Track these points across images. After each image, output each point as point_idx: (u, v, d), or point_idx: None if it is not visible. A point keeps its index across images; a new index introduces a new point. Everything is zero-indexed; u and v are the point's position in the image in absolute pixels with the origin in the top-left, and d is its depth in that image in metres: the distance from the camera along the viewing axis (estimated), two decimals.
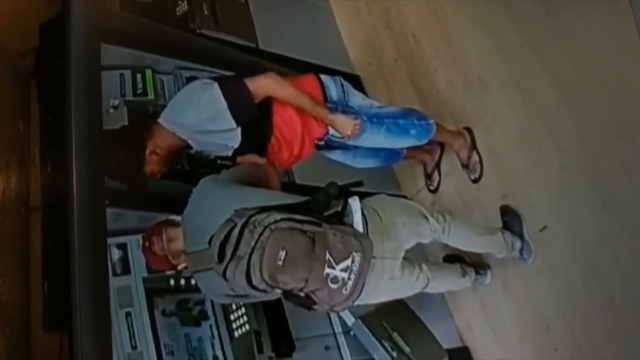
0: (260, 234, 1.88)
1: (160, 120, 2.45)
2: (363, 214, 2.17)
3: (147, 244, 2.26)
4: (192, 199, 2.26)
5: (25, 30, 2.74)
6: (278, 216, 1.93)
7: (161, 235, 2.23)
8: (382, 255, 2.19)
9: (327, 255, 1.93)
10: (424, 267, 2.51)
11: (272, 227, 1.89)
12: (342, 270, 1.96)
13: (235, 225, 1.92)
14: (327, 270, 1.94)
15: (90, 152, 2.41)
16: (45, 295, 2.44)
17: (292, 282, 1.92)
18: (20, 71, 2.86)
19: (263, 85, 2.45)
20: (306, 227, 1.94)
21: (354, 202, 2.17)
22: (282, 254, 1.87)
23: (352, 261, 1.97)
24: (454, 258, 2.93)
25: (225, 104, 2.35)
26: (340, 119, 2.56)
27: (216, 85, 2.39)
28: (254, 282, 1.89)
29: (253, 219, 1.92)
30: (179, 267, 2.29)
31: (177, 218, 2.26)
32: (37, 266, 2.50)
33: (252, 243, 1.88)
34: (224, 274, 1.93)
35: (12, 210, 2.60)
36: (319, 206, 2.09)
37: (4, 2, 2.71)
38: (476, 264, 2.96)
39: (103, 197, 2.48)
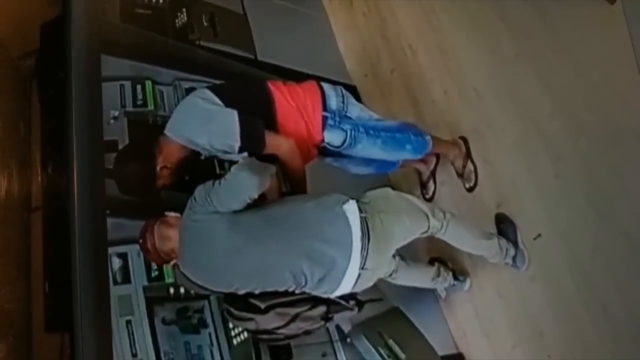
0: None
1: (168, 132, 2.46)
2: (368, 234, 2.28)
3: (141, 241, 2.34)
4: (197, 228, 2.27)
5: (27, 31, 2.75)
6: None
7: (153, 233, 2.30)
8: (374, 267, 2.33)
9: None
10: (397, 258, 2.65)
11: None
12: None
13: None
14: None
15: (92, 165, 2.44)
16: (47, 303, 2.47)
17: None
18: (21, 72, 2.87)
19: (280, 146, 2.49)
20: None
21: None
22: None
23: None
24: (436, 260, 3.02)
25: (239, 143, 2.39)
26: None
27: (237, 118, 2.40)
28: None
29: None
30: (171, 264, 2.37)
31: (171, 214, 2.34)
32: (38, 275, 2.52)
33: None
34: None
35: (13, 220, 2.63)
36: None
37: (5, 3, 2.72)
38: (456, 271, 3.04)
39: (104, 208, 2.51)
